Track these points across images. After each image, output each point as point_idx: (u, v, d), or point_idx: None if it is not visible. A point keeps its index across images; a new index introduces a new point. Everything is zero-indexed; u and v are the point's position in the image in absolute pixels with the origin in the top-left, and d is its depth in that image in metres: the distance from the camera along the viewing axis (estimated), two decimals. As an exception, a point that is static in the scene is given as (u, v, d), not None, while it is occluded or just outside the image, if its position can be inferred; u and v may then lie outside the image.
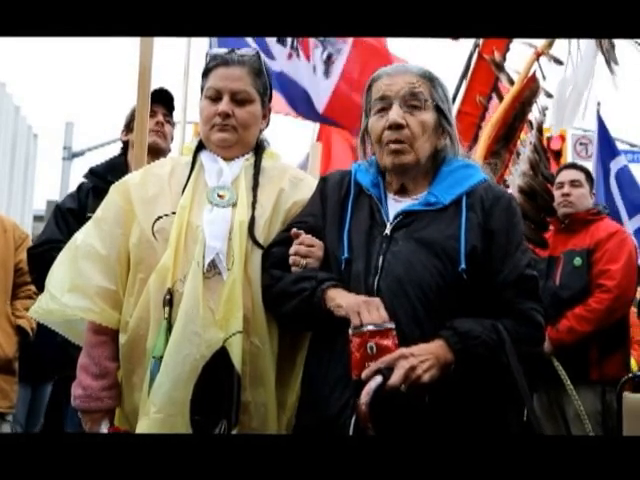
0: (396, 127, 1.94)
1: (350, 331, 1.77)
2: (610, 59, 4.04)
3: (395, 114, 1.94)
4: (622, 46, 4.05)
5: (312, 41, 4.77)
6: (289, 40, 4.50)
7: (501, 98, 4.23)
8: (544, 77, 4.11)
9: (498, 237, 1.91)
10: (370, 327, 1.74)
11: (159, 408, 1.90)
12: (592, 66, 4.09)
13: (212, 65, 2.17)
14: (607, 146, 5.70)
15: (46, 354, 3.91)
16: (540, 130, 4.09)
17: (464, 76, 4.64)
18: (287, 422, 2.06)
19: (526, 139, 4.06)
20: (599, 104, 5.44)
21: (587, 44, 4.10)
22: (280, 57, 4.39)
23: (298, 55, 4.51)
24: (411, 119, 1.95)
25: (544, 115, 4.14)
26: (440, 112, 1.99)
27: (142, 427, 1.92)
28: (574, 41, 4.09)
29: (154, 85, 3.02)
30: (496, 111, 4.15)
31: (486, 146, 3.98)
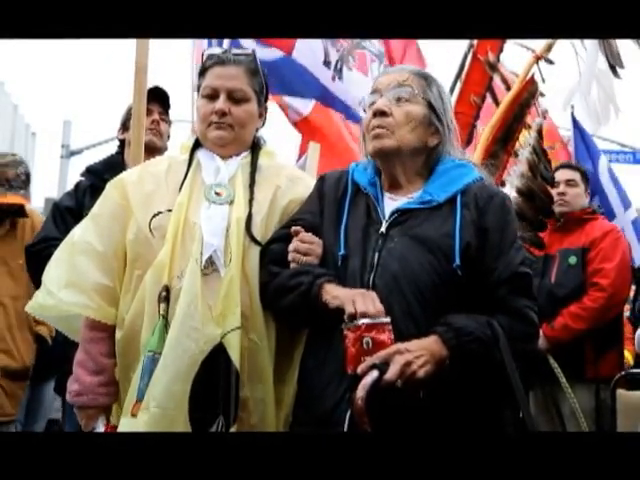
0: (380, 114, 1.98)
1: (345, 321, 1.77)
2: (615, 63, 4.05)
3: (380, 103, 1.99)
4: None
5: (368, 56, 4.70)
6: (333, 63, 4.44)
7: (495, 98, 4.24)
8: (543, 80, 4.12)
9: (492, 235, 1.93)
10: (365, 320, 1.74)
11: (158, 402, 1.90)
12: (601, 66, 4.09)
13: (209, 64, 2.18)
14: (592, 146, 5.84)
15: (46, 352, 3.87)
16: (540, 132, 4.10)
17: (459, 76, 4.66)
18: (285, 418, 2.06)
19: (525, 140, 4.06)
20: (572, 107, 5.50)
21: (591, 45, 4.10)
22: (325, 79, 4.33)
23: (341, 77, 4.45)
24: (396, 109, 1.99)
25: (544, 118, 4.15)
26: (432, 109, 2.01)
27: (141, 421, 1.91)
28: (578, 43, 4.09)
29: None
30: (495, 113, 4.15)
31: (484, 148, 3.99)
